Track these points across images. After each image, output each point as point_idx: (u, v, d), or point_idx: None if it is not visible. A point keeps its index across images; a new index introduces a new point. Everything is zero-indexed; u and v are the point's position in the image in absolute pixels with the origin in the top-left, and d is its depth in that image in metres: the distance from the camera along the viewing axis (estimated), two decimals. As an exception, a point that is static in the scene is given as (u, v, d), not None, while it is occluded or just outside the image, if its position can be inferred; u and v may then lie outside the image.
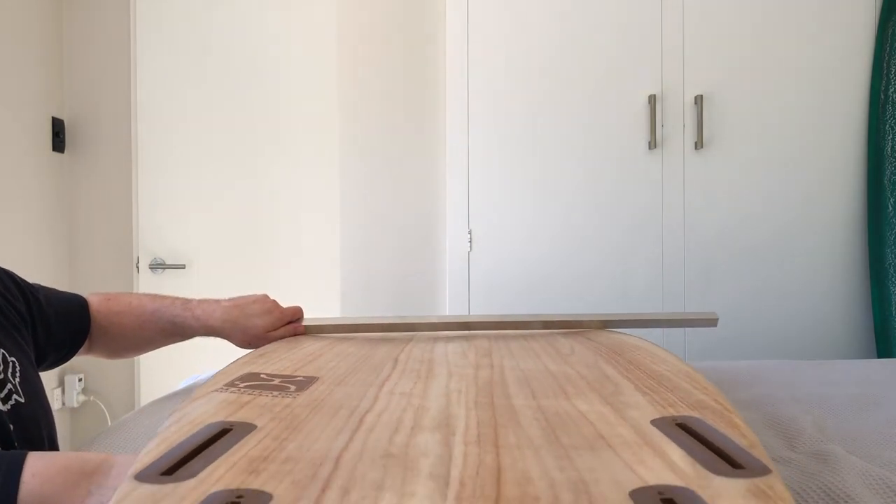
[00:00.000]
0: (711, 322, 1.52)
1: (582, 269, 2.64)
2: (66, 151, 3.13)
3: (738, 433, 0.56)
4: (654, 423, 0.60)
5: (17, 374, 1.11)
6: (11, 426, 1.04)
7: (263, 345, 1.35)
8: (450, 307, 2.69)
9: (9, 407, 1.06)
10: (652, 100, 2.58)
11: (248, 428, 0.60)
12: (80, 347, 1.34)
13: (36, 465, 0.77)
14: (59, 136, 3.08)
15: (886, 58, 2.51)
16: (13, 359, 1.11)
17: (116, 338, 1.37)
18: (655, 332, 2.52)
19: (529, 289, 2.65)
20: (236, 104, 3.11)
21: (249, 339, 1.35)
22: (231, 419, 0.63)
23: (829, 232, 2.58)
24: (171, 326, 1.36)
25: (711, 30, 2.58)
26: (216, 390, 0.75)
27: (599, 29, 2.63)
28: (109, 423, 2.29)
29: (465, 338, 1.30)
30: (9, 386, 1.08)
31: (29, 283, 1.27)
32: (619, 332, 1.35)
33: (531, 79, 2.65)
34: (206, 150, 3.13)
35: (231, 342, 1.37)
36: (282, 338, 1.37)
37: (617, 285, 2.63)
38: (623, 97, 2.62)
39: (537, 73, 2.65)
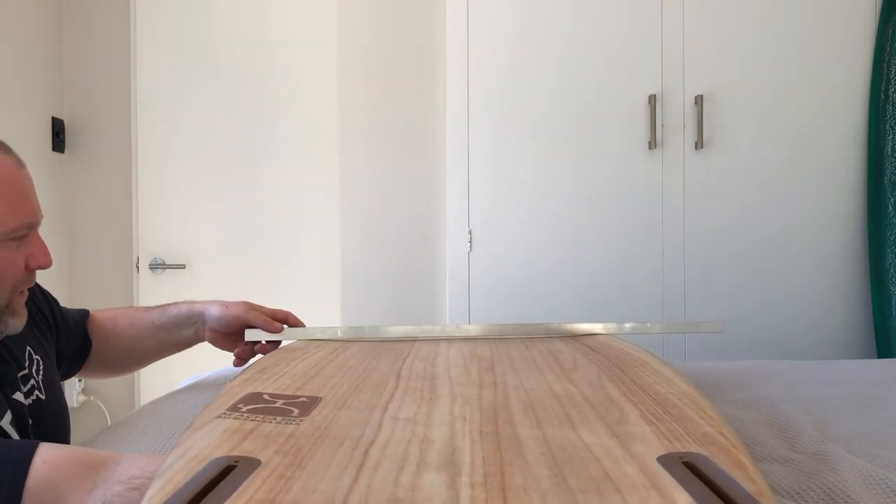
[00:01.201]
0: (716, 330, 1.51)
1: (582, 269, 2.64)
2: (66, 151, 3.12)
3: (746, 475, 0.56)
4: (660, 460, 0.60)
5: (41, 372, 1.15)
6: (30, 420, 1.06)
7: (238, 320, 1.37)
8: (450, 307, 2.69)
9: (30, 402, 1.09)
10: (652, 100, 2.58)
11: (252, 464, 0.60)
12: (87, 357, 1.37)
13: (47, 453, 0.79)
14: (59, 136, 3.07)
15: (886, 58, 2.50)
16: (38, 357, 1.15)
17: (111, 340, 1.41)
18: (657, 333, 2.52)
19: (529, 289, 2.65)
20: (236, 104, 3.11)
21: (228, 305, 1.38)
22: (235, 452, 0.63)
23: (829, 232, 2.58)
24: (159, 316, 1.40)
25: (711, 30, 2.58)
26: (219, 416, 0.75)
27: (599, 29, 2.62)
28: (109, 423, 2.30)
29: (466, 343, 1.30)
30: (32, 381, 1.11)
31: (50, 293, 1.32)
32: (621, 338, 1.35)
33: (531, 79, 2.65)
34: (206, 149, 3.12)
35: (208, 317, 1.38)
36: (254, 322, 1.37)
37: (617, 284, 2.63)
38: (623, 97, 2.62)
39: (537, 72, 2.65)
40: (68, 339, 1.32)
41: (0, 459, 0.79)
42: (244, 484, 0.55)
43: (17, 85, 2.85)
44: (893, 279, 2.46)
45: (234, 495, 0.53)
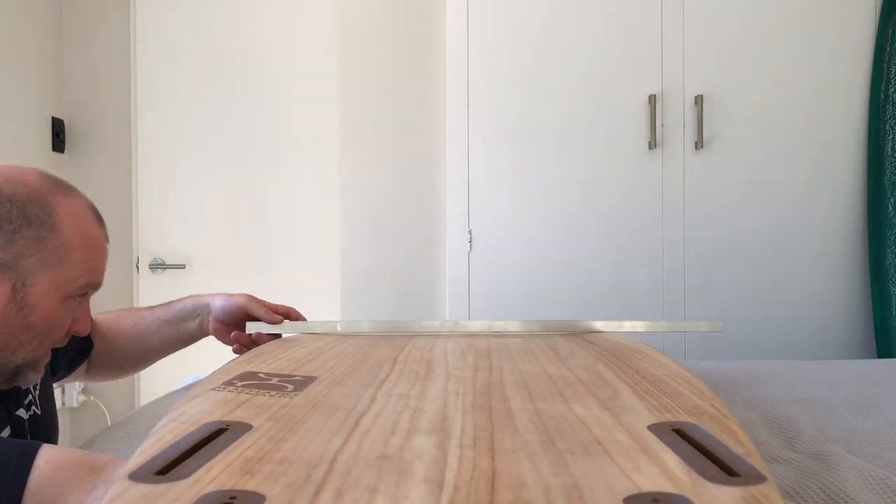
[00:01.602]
0: (716, 329, 1.50)
1: (582, 269, 2.63)
2: (66, 151, 3.13)
3: (735, 440, 0.56)
4: (650, 428, 0.60)
5: (38, 387, 1.16)
6: (28, 436, 1.08)
7: (241, 309, 1.38)
8: (450, 307, 2.69)
9: (28, 416, 1.09)
10: (652, 100, 2.58)
11: (244, 428, 0.60)
12: (86, 357, 1.37)
13: (49, 453, 0.79)
14: (59, 136, 3.08)
15: (886, 58, 2.50)
16: None
17: (114, 340, 1.40)
18: (656, 333, 2.51)
19: (529, 288, 2.65)
20: (236, 104, 3.11)
21: (232, 296, 1.39)
22: (227, 418, 0.63)
23: (829, 232, 2.58)
24: (164, 312, 1.41)
25: (711, 30, 2.58)
26: (213, 389, 0.75)
27: (599, 29, 2.63)
28: (109, 423, 2.30)
29: (464, 338, 1.30)
30: (30, 397, 1.11)
31: None
32: (620, 334, 1.34)
33: (531, 78, 2.65)
34: (205, 150, 3.13)
35: (213, 307, 1.39)
36: (256, 312, 1.38)
37: (617, 284, 2.62)
38: (623, 97, 2.62)
39: (537, 73, 2.65)
40: (66, 347, 1.32)
41: (2, 457, 0.79)
42: (234, 444, 0.55)
43: (17, 85, 2.85)
44: (893, 279, 2.46)
45: (223, 453, 0.53)
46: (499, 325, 1.42)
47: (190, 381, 1.68)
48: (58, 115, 3.09)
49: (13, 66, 2.84)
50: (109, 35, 3.14)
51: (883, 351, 2.49)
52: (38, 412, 1.13)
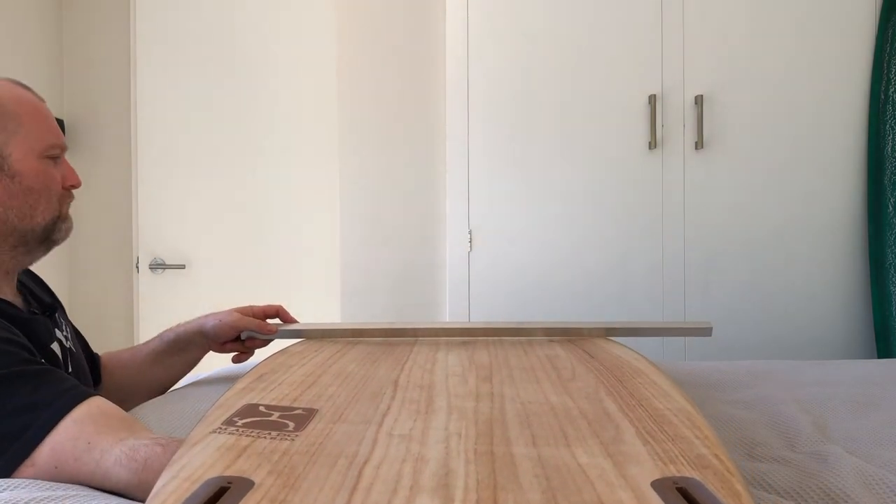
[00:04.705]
0: (705, 332, 1.50)
1: (582, 269, 2.64)
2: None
3: (739, 503, 0.56)
4: (654, 485, 0.60)
5: (68, 339, 1.27)
6: (69, 364, 1.21)
7: (233, 328, 1.43)
8: (450, 307, 2.69)
9: (66, 347, 1.22)
10: (652, 100, 2.58)
11: (246, 485, 0.60)
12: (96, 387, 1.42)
13: (102, 401, 0.98)
14: (58, 136, 3.07)
15: (886, 58, 2.50)
16: (67, 333, 1.28)
17: (115, 372, 1.46)
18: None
19: (529, 289, 2.65)
20: (236, 104, 3.11)
21: (221, 316, 1.45)
22: (229, 471, 0.63)
23: (829, 232, 2.58)
24: (157, 343, 1.47)
25: (711, 30, 2.57)
26: (214, 431, 0.75)
27: (599, 29, 2.62)
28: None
29: (465, 348, 1.30)
30: (63, 335, 1.23)
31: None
32: (619, 343, 1.34)
33: (531, 79, 2.65)
34: (206, 149, 3.12)
35: (208, 332, 1.44)
36: (248, 327, 1.44)
37: (617, 285, 2.63)
38: (623, 97, 2.62)
39: (537, 72, 2.65)
40: (89, 357, 1.40)
41: (67, 386, 0.96)
42: (236, 507, 0.55)
43: (16, 85, 2.85)
44: (893, 279, 2.46)
45: (226, 521, 0.53)
46: (494, 328, 1.43)
47: (190, 379, 1.68)
48: (58, 115, 3.06)
49: (13, 66, 2.83)
50: (109, 35, 3.13)
51: (883, 351, 2.50)
52: (74, 350, 1.25)
